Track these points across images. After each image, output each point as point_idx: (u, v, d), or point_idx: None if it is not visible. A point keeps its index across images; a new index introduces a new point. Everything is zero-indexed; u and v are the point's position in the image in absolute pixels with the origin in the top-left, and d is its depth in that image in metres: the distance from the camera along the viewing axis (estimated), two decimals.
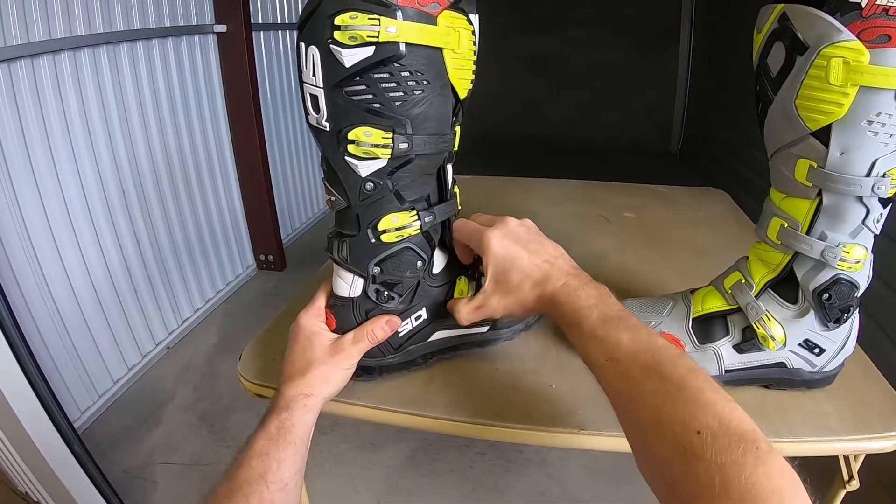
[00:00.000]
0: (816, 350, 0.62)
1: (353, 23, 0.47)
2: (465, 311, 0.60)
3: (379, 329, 0.61)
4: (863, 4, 0.47)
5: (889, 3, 0.47)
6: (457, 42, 0.52)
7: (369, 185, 0.56)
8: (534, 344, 0.74)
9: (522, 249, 0.58)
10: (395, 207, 0.58)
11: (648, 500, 0.41)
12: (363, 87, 0.51)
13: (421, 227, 0.60)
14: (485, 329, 0.70)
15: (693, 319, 0.64)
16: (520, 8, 4.14)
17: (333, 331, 0.63)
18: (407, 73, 0.51)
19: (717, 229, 1.12)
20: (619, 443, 0.59)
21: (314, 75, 0.51)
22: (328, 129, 0.53)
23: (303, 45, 0.51)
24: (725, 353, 0.63)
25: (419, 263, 0.62)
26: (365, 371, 0.65)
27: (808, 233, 0.57)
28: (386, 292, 0.61)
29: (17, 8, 1.45)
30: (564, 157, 3.50)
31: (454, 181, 0.64)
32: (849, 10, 0.48)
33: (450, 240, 0.65)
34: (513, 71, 4.25)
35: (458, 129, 0.60)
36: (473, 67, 0.56)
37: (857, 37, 0.47)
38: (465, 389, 0.66)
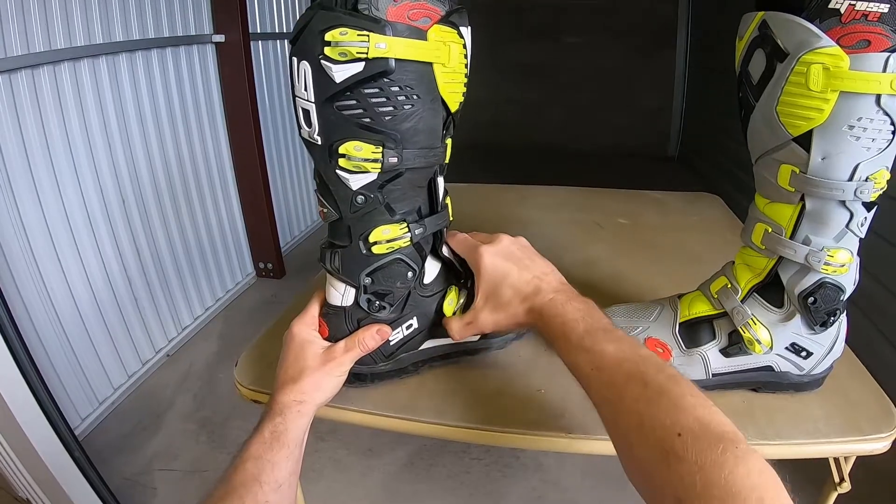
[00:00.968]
0: (804, 353, 0.62)
1: (343, 39, 0.48)
2: (457, 327, 0.62)
3: (370, 338, 0.63)
4: (842, 10, 0.48)
5: (868, 9, 0.47)
6: (447, 56, 0.52)
7: (360, 198, 0.56)
8: (523, 350, 0.75)
9: (514, 266, 0.60)
10: (385, 220, 0.59)
11: None
12: (353, 101, 0.51)
13: (411, 239, 0.60)
14: (476, 338, 0.70)
15: (680, 324, 0.65)
16: (515, 16, 4.16)
17: (326, 339, 0.64)
18: (397, 88, 0.51)
19: (710, 234, 1.12)
20: (605, 446, 0.60)
21: (306, 90, 0.52)
22: (320, 142, 0.54)
23: (295, 59, 0.51)
24: (712, 357, 0.63)
25: (410, 274, 0.62)
26: (357, 378, 0.66)
27: (791, 237, 0.58)
28: (377, 302, 0.62)
29: (17, 19, 1.46)
30: (562, 163, 3.51)
31: (446, 192, 0.65)
32: (828, 16, 0.48)
33: (442, 250, 0.66)
34: (510, 78, 4.27)
35: (449, 141, 0.60)
36: (465, 80, 0.57)
37: (837, 42, 0.48)
38: (455, 394, 0.67)
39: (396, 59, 0.49)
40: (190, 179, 2.26)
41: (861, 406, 0.65)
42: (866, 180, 0.52)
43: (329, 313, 0.65)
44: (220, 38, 2.32)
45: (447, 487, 1.56)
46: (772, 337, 0.61)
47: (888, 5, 0.47)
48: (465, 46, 0.55)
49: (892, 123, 0.50)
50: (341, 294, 0.63)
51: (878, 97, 0.49)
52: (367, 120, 0.52)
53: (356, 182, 0.55)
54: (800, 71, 0.50)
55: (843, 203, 0.54)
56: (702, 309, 0.65)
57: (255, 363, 0.74)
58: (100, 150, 1.80)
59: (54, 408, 1.26)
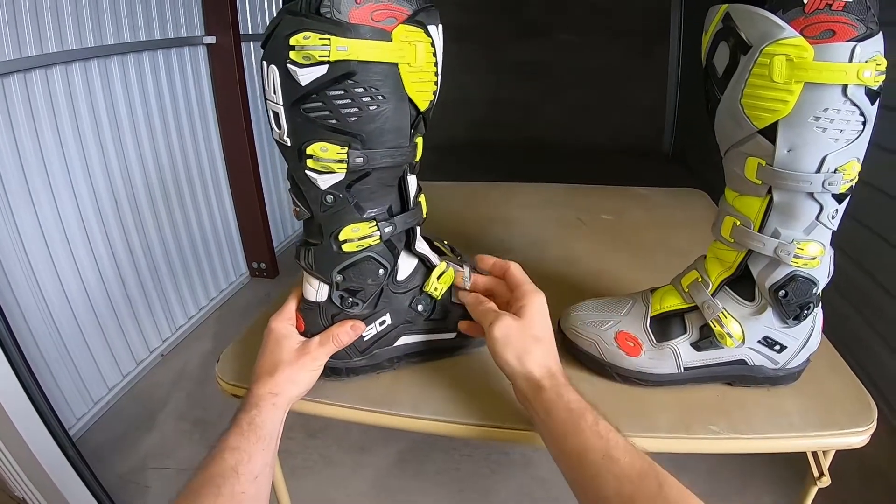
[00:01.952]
0: (777, 347, 0.62)
1: (307, 43, 0.49)
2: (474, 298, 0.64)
3: (344, 333, 0.63)
4: (805, 0, 0.47)
5: None
6: (413, 56, 0.52)
7: (329, 198, 0.57)
8: None
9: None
10: (354, 218, 0.59)
11: None
12: (319, 104, 0.52)
13: (381, 237, 0.61)
14: (452, 335, 0.70)
15: (651, 318, 0.65)
16: (509, 14, 4.15)
17: (302, 333, 0.65)
18: (361, 90, 0.51)
19: (694, 229, 1.12)
20: None
21: (275, 93, 0.53)
22: (289, 144, 0.55)
23: (265, 63, 0.52)
24: (683, 350, 0.63)
25: (381, 272, 0.63)
26: (333, 372, 0.67)
27: (760, 230, 0.57)
28: (349, 298, 0.63)
29: (8, 24, 1.47)
30: (557, 161, 3.50)
31: (419, 190, 0.65)
32: (791, 6, 0.48)
33: (415, 247, 0.66)
34: (504, 76, 4.26)
35: (419, 140, 0.61)
36: (435, 79, 0.57)
37: (801, 33, 0.48)
38: (431, 389, 0.68)
39: (359, 61, 0.50)
40: (182, 180, 2.27)
41: (839, 400, 0.65)
42: (835, 172, 0.52)
43: (305, 308, 0.66)
44: (211, 39, 2.32)
45: (437, 483, 1.57)
46: (743, 331, 0.61)
47: None
48: (433, 45, 0.55)
49: (862, 114, 0.50)
50: (315, 290, 0.64)
51: (845, 87, 0.48)
52: (333, 121, 0.53)
53: (324, 182, 0.56)
54: (763, 63, 0.50)
55: (811, 195, 0.54)
56: (673, 303, 0.65)
57: (237, 359, 0.74)
58: (92, 153, 1.80)
59: (49, 408, 1.26)
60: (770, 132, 0.53)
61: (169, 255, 2.20)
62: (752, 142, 0.54)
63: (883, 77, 0.49)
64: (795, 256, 0.57)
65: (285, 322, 0.65)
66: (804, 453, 0.67)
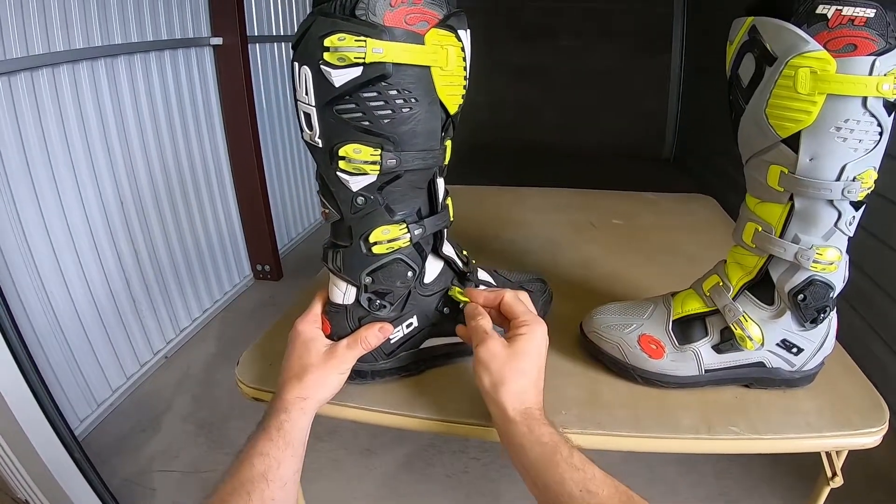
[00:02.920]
0: (794, 350, 0.64)
1: (342, 44, 0.49)
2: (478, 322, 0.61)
3: (372, 336, 0.64)
4: (829, 15, 0.49)
5: (854, 14, 0.49)
6: (445, 59, 0.53)
7: (360, 199, 0.57)
8: None
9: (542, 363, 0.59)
10: (385, 220, 0.60)
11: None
12: (353, 105, 0.52)
13: (411, 240, 0.61)
14: None
15: (673, 321, 0.66)
16: (512, 17, 4.18)
17: (328, 336, 0.65)
18: (395, 92, 0.52)
19: (703, 234, 1.14)
20: (602, 441, 0.62)
21: (307, 94, 0.53)
22: (321, 145, 0.55)
23: (296, 64, 0.53)
24: (705, 353, 0.65)
25: (410, 274, 0.63)
26: (358, 375, 0.67)
27: (781, 236, 0.59)
28: (377, 301, 0.64)
29: (16, 21, 1.47)
30: (558, 164, 3.52)
31: (446, 193, 0.66)
32: (815, 21, 0.50)
33: (442, 249, 0.66)
34: (506, 79, 4.28)
35: (448, 143, 0.61)
36: (464, 83, 0.58)
37: (824, 47, 0.49)
38: (454, 391, 0.68)
39: (394, 64, 0.50)
40: (188, 182, 2.27)
41: (852, 401, 0.66)
42: (853, 180, 0.54)
43: (331, 311, 0.66)
44: (217, 40, 2.33)
45: (446, 486, 1.57)
46: (763, 333, 0.63)
47: (874, 10, 0.48)
48: (463, 49, 0.55)
49: (879, 125, 0.52)
50: (343, 293, 0.64)
51: (865, 99, 0.50)
52: (366, 123, 0.53)
53: (356, 184, 0.56)
54: (788, 74, 0.51)
55: (831, 202, 0.56)
56: (694, 306, 0.66)
57: (256, 362, 0.75)
58: (98, 153, 1.81)
59: (54, 409, 1.26)
60: (793, 141, 0.54)
61: (173, 256, 2.21)
62: (775, 150, 0.56)
63: None
64: (814, 262, 0.58)
65: (311, 325, 0.65)
66: (813, 455, 0.68)
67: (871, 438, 0.62)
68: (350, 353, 0.63)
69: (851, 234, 0.59)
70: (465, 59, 0.56)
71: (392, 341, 0.66)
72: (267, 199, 2.66)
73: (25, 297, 1.55)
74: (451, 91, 0.56)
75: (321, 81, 0.51)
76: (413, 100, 0.53)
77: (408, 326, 0.66)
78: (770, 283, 0.62)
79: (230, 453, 1.69)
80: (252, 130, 2.48)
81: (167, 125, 2.13)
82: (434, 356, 0.71)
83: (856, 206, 0.57)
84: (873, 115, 0.51)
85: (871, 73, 0.49)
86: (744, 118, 0.57)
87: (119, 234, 1.92)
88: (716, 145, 3.38)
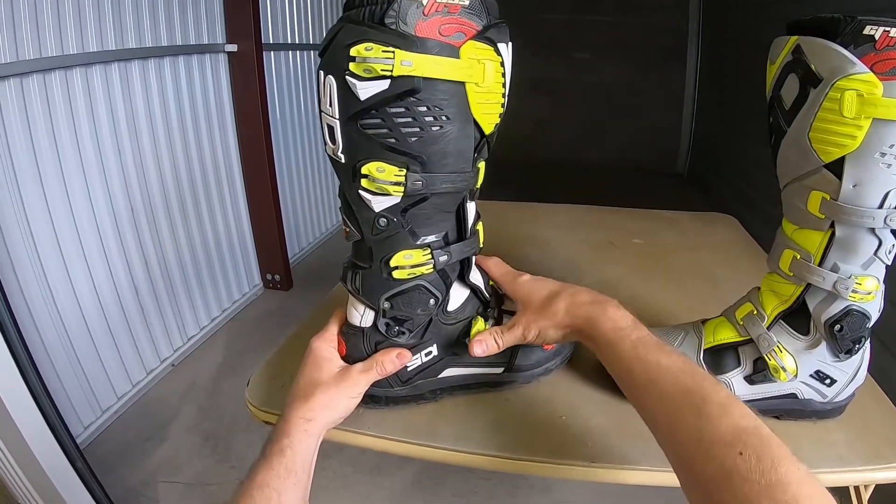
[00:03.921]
0: (828, 381, 0.62)
1: (369, 55, 0.45)
2: (488, 334, 0.62)
3: (389, 362, 0.61)
4: (876, 37, 0.47)
5: None
6: (481, 75, 0.49)
7: (382, 221, 0.54)
8: (545, 375, 0.73)
9: (561, 285, 0.62)
10: (408, 245, 0.56)
11: None
12: (378, 121, 0.49)
13: (434, 266, 0.58)
14: (500, 370, 0.67)
15: (705, 350, 0.64)
16: (526, 30, 4.17)
17: (343, 358, 0.63)
18: (424, 108, 0.48)
19: (725, 255, 1.11)
20: (628, 475, 0.59)
21: (331, 105, 0.49)
22: (343, 161, 0.52)
23: (322, 73, 0.49)
24: (737, 384, 0.62)
25: (431, 302, 0.60)
26: (372, 399, 0.64)
27: (820, 264, 0.57)
28: (396, 327, 0.60)
29: (30, 23, 1.47)
30: (571, 179, 3.51)
31: (477, 216, 0.62)
32: (862, 42, 0.48)
33: (469, 277, 0.63)
34: (519, 93, 4.20)
35: (482, 165, 0.57)
36: (502, 101, 0.53)
37: (871, 69, 0.48)
38: (474, 420, 0.66)
39: (424, 78, 0.47)
40: (199, 188, 2.26)
41: (882, 433, 0.64)
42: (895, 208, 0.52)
43: (348, 332, 0.63)
44: (232, 47, 2.33)
45: None
46: (797, 364, 0.60)
47: None
48: (502, 65, 0.51)
49: None
50: (360, 315, 0.61)
51: None
52: (392, 140, 0.49)
53: (378, 204, 0.53)
54: (833, 97, 0.49)
55: (872, 230, 0.54)
56: (727, 335, 0.64)
57: (267, 383, 0.72)
58: (109, 157, 1.80)
59: (56, 416, 1.25)
60: (836, 167, 0.52)
61: (183, 263, 2.20)
62: (817, 176, 0.53)
63: None
64: (853, 291, 0.56)
65: (327, 343, 0.63)
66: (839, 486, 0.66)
67: None
68: (364, 377, 0.60)
69: (890, 263, 0.57)
70: (504, 76, 0.51)
71: (409, 369, 0.63)
72: (278, 207, 2.64)
73: (31, 299, 1.54)
74: (487, 109, 0.52)
75: (346, 93, 0.48)
76: (444, 117, 0.49)
77: (427, 355, 0.63)
78: (805, 313, 0.60)
79: (235, 466, 1.69)
80: (265, 138, 2.47)
81: (180, 131, 2.13)
82: (453, 386, 0.67)
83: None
84: None
85: None
86: (785, 141, 0.55)
87: (128, 240, 1.91)
88: (729, 161, 3.36)
